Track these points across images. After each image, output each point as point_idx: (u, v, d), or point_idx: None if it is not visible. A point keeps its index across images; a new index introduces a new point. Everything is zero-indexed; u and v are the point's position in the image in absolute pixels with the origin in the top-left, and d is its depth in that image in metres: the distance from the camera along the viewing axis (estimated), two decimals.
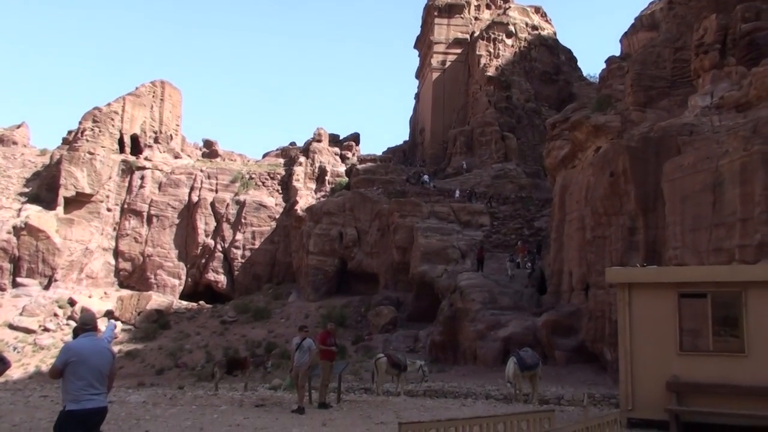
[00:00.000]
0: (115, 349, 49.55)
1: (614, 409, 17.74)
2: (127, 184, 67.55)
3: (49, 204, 63.82)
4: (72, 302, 57.35)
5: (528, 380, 23.53)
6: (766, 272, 14.87)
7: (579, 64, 79.72)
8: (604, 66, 49.36)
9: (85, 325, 8.04)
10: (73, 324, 51.30)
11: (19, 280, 59.62)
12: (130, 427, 14.77)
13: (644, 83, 36.76)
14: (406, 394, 25.24)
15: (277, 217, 67.68)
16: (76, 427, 7.48)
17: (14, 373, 43.08)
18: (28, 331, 53.40)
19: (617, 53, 62.75)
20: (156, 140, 72.09)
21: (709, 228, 24.82)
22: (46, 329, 53.94)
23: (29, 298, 57.53)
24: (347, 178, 69.92)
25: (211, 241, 66.45)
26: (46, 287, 59.85)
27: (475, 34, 76.68)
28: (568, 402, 23.30)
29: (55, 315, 55.87)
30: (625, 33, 70.44)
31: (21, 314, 55.19)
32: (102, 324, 53.60)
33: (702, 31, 33.12)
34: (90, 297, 59.73)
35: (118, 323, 53.64)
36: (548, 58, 75.60)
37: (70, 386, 7.56)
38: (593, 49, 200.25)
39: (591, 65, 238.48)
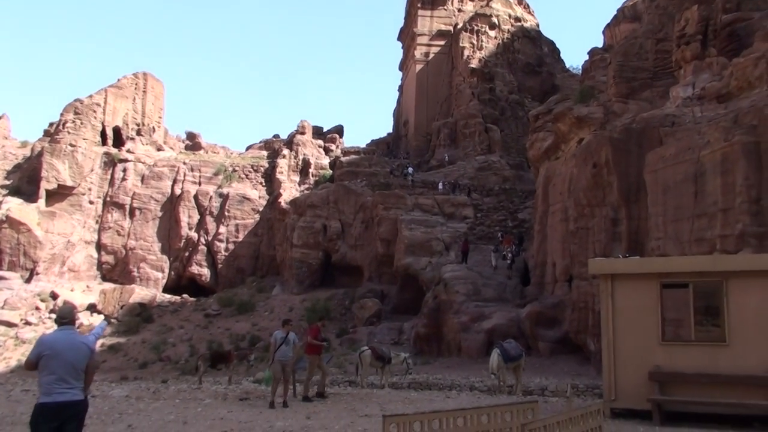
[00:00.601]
0: (99, 342, 49.29)
1: (598, 400, 17.83)
2: (109, 177, 67.07)
3: (30, 197, 63.28)
4: (54, 296, 56.94)
5: (512, 372, 23.57)
6: (747, 262, 14.98)
7: (562, 55, 79.99)
8: (586, 57, 49.55)
9: (63, 318, 7.93)
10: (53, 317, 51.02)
11: (0, 273, 59.10)
12: (113, 421, 14.67)
13: (626, 74, 36.92)
14: (390, 386, 25.24)
15: (261, 209, 67.48)
16: (50, 420, 7.38)
17: None
18: (10, 324, 52.97)
19: (600, 45, 62.95)
20: (138, 132, 71.61)
21: (690, 218, 24.99)
22: (27, 323, 53.53)
23: (10, 291, 57.04)
24: (331, 171, 69.80)
25: (194, 234, 66.16)
26: (28, 280, 59.40)
27: (459, 26, 76.63)
28: (552, 393, 23.39)
29: (37, 308, 55.45)
30: (608, 24, 70.58)
31: (2, 308, 54.73)
32: (93, 321, 53.33)
33: (683, 22, 33.26)
34: (72, 290, 59.33)
35: (105, 321, 53.33)
36: (531, 49, 75.68)
37: (42, 379, 7.46)
38: (576, 40, 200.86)
39: (574, 57, 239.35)
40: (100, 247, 64.97)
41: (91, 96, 69.10)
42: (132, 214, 65.98)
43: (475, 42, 73.51)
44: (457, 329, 37.76)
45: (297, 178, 69.88)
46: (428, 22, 78.98)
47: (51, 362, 7.43)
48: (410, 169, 65.72)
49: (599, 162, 31.11)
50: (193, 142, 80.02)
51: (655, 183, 27.32)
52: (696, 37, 32.36)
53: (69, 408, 7.54)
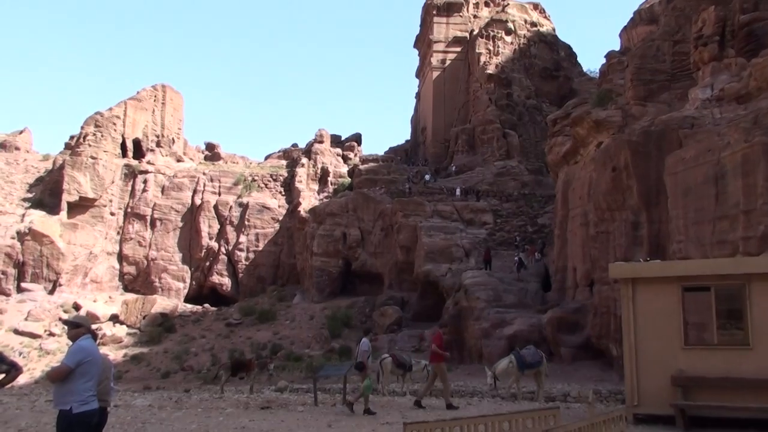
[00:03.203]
0: (121, 353, 49.68)
1: (621, 405, 17.70)
2: (130, 188, 67.65)
3: (52, 209, 63.94)
4: (77, 306, 57.38)
5: (533, 378, 23.43)
6: None
7: (579, 59, 79.73)
8: (603, 61, 49.33)
9: (85, 326, 8.01)
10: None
11: (23, 285, 59.72)
12: (136, 431, 14.77)
13: (644, 77, 36.68)
14: (411, 393, 25.20)
15: (281, 218, 67.71)
16: (87, 429, 7.51)
17: (20, 378, 43.13)
18: (34, 335, 53.46)
19: (617, 48, 62.65)
20: (158, 144, 72.19)
21: (712, 221, 24.75)
22: (51, 334, 53.98)
23: (34, 303, 57.61)
24: (350, 179, 69.94)
25: (214, 244, 66.49)
26: (51, 292, 59.96)
27: (475, 32, 76.62)
28: (575, 399, 23.23)
29: (60, 319, 55.86)
30: (625, 27, 70.17)
31: (26, 319, 55.26)
32: (116, 331, 53.61)
33: (701, 23, 33.02)
34: (95, 301, 59.83)
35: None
36: (548, 54, 75.47)
37: (78, 386, 7.48)
38: (593, 44, 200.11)
39: (591, 60, 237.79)
40: (121, 258, 65.47)
41: (111, 109, 69.77)
42: (153, 225, 66.44)
43: (491, 48, 73.43)
44: (479, 336, 37.61)
45: (316, 187, 70.09)
46: (444, 29, 79.04)
47: (91, 369, 7.56)
48: (427, 176, 65.70)
49: (618, 166, 30.92)
50: (212, 153, 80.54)
51: (676, 185, 27.10)
52: (714, 38, 32.10)
53: (100, 415, 7.84)
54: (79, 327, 7.95)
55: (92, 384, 7.60)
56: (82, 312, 55.55)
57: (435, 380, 19.99)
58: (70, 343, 8.01)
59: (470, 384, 28.22)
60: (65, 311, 56.77)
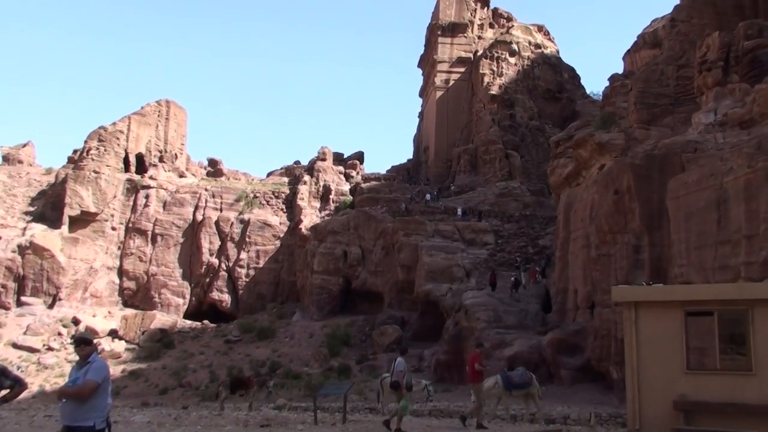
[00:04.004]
0: (119, 368, 49.51)
1: (621, 429, 17.63)
2: (131, 203, 67.68)
3: (54, 223, 63.95)
4: (76, 321, 57.29)
5: (523, 400, 23.28)
6: None
7: (582, 81, 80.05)
8: (607, 83, 49.54)
9: (91, 345, 8.09)
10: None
11: (23, 298, 59.59)
12: None
13: (648, 101, 36.82)
14: (411, 413, 25.07)
15: (282, 236, 67.70)
16: None
17: None
18: (32, 350, 53.30)
19: (620, 71, 62.90)
20: (161, 159, 72.30)
21: (714, 245, 24.73)
22: (50, 348, 53.82)
23: (33, 317, 57.47)
24: (351, 197, 69.97)
25: (215, 260, 66.43)
26: (51, 306, 59.81)
27: (479, 53, 77.02)
28: (575, 421, 23.11)
29: (59, 334, 55.77)
30: (628, 50, 70.61)
31: (25, 333, 55.13)
32: (115, 347, 53.45)
33: (705, 49, 33.19)
34: (94, 316, 59.69)
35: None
36: (551, 76, 75.77)
37: (100, 403, 7.70)
38: (596, 66, 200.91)
39: (594, 83, 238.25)
40: (122, 273, 65.39)
41: (114, 123, 69.97)
42: (154, 240, 66.41)
43: (495, 69, 73.74)
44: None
45: (318, 205, 70.11)
46: (448, 49, 79.40)
47: (108, 386, 7.80)
48: (428, 196, 65.74)
49: (621, 188, 30.95)
50: (214, 169, 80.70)
51: (678, 209, 27.11)
52: (717, 64, 32.26)
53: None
54: (91, 344, 8.01)
55: (109, 401, 7.84)
56: (81, 327, 55.48)
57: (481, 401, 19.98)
58: (70, 358, 8.21)
59: (469, 405, 28.04)
60: (64, 326, 56.69)
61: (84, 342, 8.05)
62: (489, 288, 44.40)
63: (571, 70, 79.48)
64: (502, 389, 22.41)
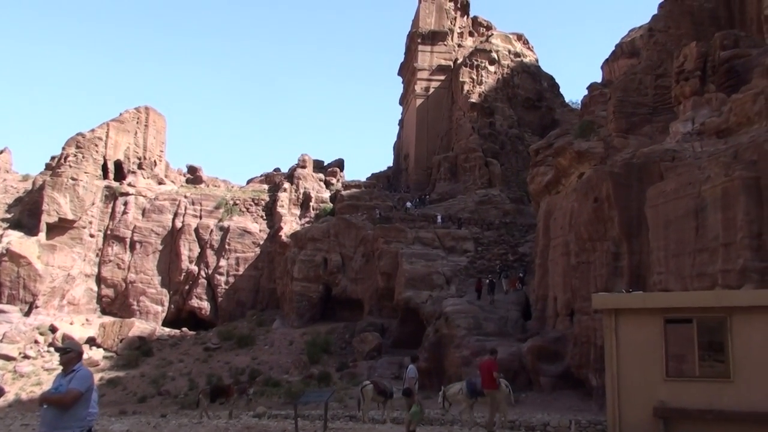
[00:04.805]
0: (97, 376, 49.07)
1: None
2: (110, 210, 67.20)
3: (31, 230, 63.34)
4: (53, 329, 56.70)
5: (488, 406, 23.17)
6: (752, 297, 14.92)
7: (561, 90, 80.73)
8: (586, 92, 49.93)
9: (72, 351, 8.08)
10: (54, 351, 50.61)
11: None
12: None
13: (626, 110, 37.13)
14: (392, 421, 25.07)
15: (261, 243, 67.49)
16: None
17: None
18: (8, 358, 52.66)
19: (599, 80, 63.48)
20: (140, 166, 71.91)
21: (692, 253, 24.96)
22: (26, 356, 53.21)
23: (9, 324, 56.79)
24: (332, 204, 69.93)
25: (194, 268, 66.09)
26: (27, 314, 59.17)
27: (458, 61, 77.40)
28: (554, 429, 23.21)
29: (36, 342, 55.16)
30: (606, 60, 71.36)
31: (1, 341, 54.47)
32: (93, 354, 53.01)
33: (682, 59, 33.54)
34: (71, 324, 59.09)
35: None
36: (531, 84, 76.30)
37: (81, 412, 7.69)
38: (575, 75, 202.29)
39: (573, 91, 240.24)
40: (100, 280, 64.87)
41: (93, 130, 69.50)
42: (132, 248, 65.97)
43: (475, 77, 74.17)
44: (459, 363, 37.51)
45: (298, 212, 69.98)
46: (428, 57, 79.75)
47: (91, 395, 7.76)
48: (408, 204, 65.83)
49: (600, 196, 31.17)
50: (194, 176, 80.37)
51: (656, 218, 27.34)
52: (695, 73, 32.61)
53: None
54: (70, 353, 7.98)
55: (96, 410, 7.94)
56: (59, 335, 54.91)
57: (496, 406, 20.03)
58: (47, 366, 8.21)
59: (450, 412, 28.07)
60: (41, 333, 56.08)
61: (71, 351, 8.03)
62: (475, 294, 44.52)
63: (551, 78, 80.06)
64: (465, 396, 22.42)
